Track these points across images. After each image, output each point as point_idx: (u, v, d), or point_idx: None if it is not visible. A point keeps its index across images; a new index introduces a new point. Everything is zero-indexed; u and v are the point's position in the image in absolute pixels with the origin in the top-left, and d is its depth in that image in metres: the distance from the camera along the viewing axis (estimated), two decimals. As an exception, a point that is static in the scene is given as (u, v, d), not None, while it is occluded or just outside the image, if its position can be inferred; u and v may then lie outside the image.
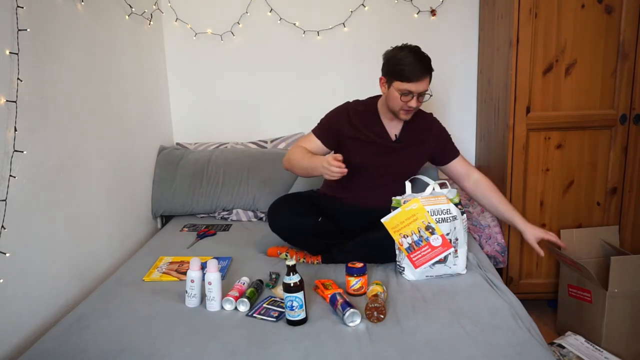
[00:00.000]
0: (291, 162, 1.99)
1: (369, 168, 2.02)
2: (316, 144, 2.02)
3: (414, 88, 1.87)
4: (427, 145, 2.07)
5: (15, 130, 1.51)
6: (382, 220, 1.77)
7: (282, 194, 2.47)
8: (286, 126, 2.87)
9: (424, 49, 2.69)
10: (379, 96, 2.06)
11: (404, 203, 1.78)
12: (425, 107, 2.73)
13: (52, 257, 1.71)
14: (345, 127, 2.01)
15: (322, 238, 1.96)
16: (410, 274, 1.79)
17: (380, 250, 1.89)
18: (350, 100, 2.09)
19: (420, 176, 1.95)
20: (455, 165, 2.09)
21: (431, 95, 1.94)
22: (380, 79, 1.96)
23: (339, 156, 1.77)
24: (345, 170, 1.75)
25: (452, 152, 2.11)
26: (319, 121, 2.07)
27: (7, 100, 1.48)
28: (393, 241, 1.80)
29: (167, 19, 2.77)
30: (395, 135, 2.03)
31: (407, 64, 1.86)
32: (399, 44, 1.93)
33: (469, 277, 1.80)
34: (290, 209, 1.96)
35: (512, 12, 2.13)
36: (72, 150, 1.85)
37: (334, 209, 2.04)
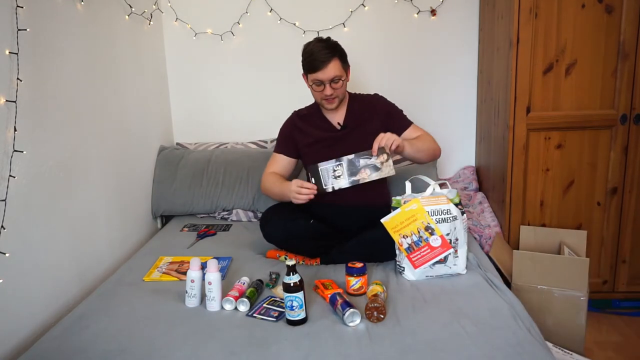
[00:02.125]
0: (266, 190, 2.13)
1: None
2: (281, 160, 2.16)
3: (322, 76, 1.93)
4: (374, 122, 2.09)
5: (15, 130, 1.50)
6: (382, 220, 1.77)
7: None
8: (286, 126, 2.87)
9: (424, 49, 2.73)
10: None
11: (404, 203, 1.78)
12: (427, 106, 2.75)
13: (52, 257, 1.71)
14: (295, 133, 2.13)
15: (317, 240, 1.95)
16: (410, 274, 1.79)
17: (379, 249, 1.89)
18: (297, 108, 2.21)
19: (420, 176, 1.95)
20: (406, 136, 2.09)
21: (344, 80, 1.99)
22: (302, 75, 2.05)
23: (303, 182, 1.87)
24: (312, 193, 1.84)
25: (402, 124, 2.11)
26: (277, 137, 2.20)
27: (7, 100, 1.48)
28: (391, 239, 1.80)
29: (167, 19, 2.77)
30: (339, 123, 2.09)
31: (310, 54, 1.94)
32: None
33: (469, 277, 1.80)
34: (281, 215, 1.98)
35: (512, 12, 2.13)
36: (72, 150, 1.84)
37: (324, 211, 2.04)
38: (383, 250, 1.88)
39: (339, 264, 1.90)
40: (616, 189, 2.26)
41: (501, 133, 2.33)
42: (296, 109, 2.21)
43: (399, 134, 2.08)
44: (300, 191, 1.85)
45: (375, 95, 2.18)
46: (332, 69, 1.92)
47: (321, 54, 1.92)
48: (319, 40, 1.98)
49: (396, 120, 2.11)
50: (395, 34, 2.71)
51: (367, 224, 1.93)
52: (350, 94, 2.15)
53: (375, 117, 2.10)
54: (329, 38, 2.00)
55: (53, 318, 1.68)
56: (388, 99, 2.16)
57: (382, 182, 2.09)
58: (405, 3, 2.69)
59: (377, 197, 2.06)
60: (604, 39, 2.13)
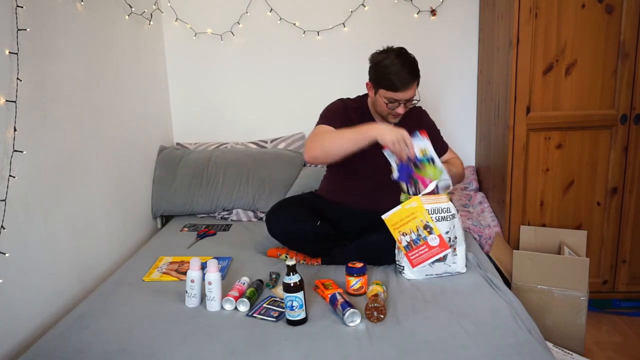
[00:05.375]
0: (325, 144, 1.81)
1: (366, 168, 2.00)
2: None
3: (400, 97, 1.85)
4: None
5: (15, 130, 1.51)
6: (383, 216, 1.76)
7: (282, 194, 2.48)
8: (286, 126, 2.87)
9: (424, 49, 2.71)
10: (367, 94, 2.05)
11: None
12: (427, 106, 2.74)
13: (52, 257, 1.71)
14: (348, 121, 1.95)
15: (320, 242, 1.94)
16: (410, 273, 1.79)
17: (380, 253, 1.89)
18: (343, 97, 2.09)
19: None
20: (444, 159, 2.08)
21: (418, 100, 1.93)
22: (367, 83, 1.95)
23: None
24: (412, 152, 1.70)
25: (442, 148, 2.10)
26: (320, 117, 1.99)
27: (7, 100, 1.48)
28: (393, 244, 1.79)
29: (167, 19, 2.77)
30: None
31: (392, 73, 1.82)
32: (385, 47, 1.90)
33: (469, 277, 1.80)
34: (287, 214, 1.94)
35: (512, 12, 2.13)
36: (72, 150, 1.85)
37: (333, 212, 2.02)
38: (384, 254, 1.87)
39: (339, 264, 1.90)
40: (616, 189, 2.26)
41: (501, 133, 2.33)
42: (343, 97, 2.07)
43: (438, 157, 2.03)
44: (407, 140, 1.69)
45: (420, 108, 2.13)
46: (412, 90, 1.85)
47: (403, 75, 1.80)
48: (398, 54, 1.84)
49: (438, 143, 2.06)
50: (395, 34, 2.71)
51: (369, 227, 1.92)
52: None
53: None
54: (407, 52, 1.87)
55: (53, 318, 1.68)
56: (430, 117, 2.14)
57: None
58: (405, 3, 2.69)
59: (393, 204, 2.00)
60: (604, 39, 2.13)
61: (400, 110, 1.89)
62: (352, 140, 1.76)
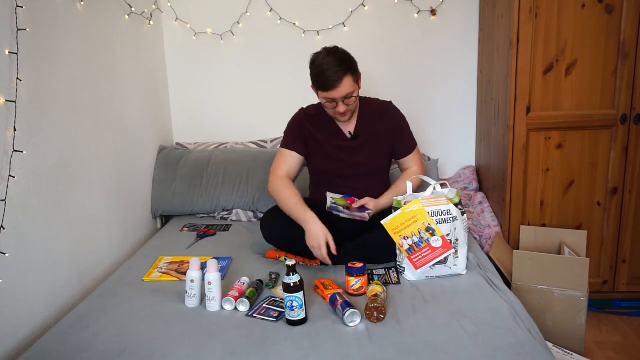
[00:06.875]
0: (278, 202, 1.96)
1: (337, 170, 2.02)
2: (291, 157, 2.03)
3: (334, 95, 1.84)
4: (385, 136, 2.03)
5: (15, 130, 1.50)
6: (382, 222, 1.77)
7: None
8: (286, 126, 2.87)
9: (424, 49, 2.73)
10: None
11: (404, 204, 1.78)
12: (427, 106, 2.75)
13: (52, 257, 1.71)
14: (305, 132, 2.04)
15: None
16: (411, 274, 1.79)
17: (380, 252, 1.89)
18: (304, 106, 2.12)
19: (421, 176, 1.95)
20: (406, 161, 2.07)
21: (356, 96, 1.90)
22: (312, 87, 1.95)
23: (328, 241, 1.80)
24: (328, 261, 1.81)
25: (407, 148, 2.06)
26: (283, 134, 2.10)
27: (6, 100, 1.48)
28: (392, 242, 1.79)
29: (167, 19, 2.77)
30: (350, 132, 2.03)
31: (322, 72, 1.81)
32: (321, 48, 1.90)
33: (469, 277, 1.80)
34: (281, 217, 1.95)
35: (512, 12, 2.13)
36: (72, 150, 1.84)
37: (324, 214, 2.02)
38: (384, 253, 1.87)
39: (339, 264, 1.90)
40: (616, 189, 2.25)
41: (501, 133, 2.33)
42: (304, 107, 2.13)
43: (401, 158, 2.07)
44: (322, 251, 1.78)
45: (390, 104, 2.08)
46: (344, 87, 1.81)
47: (332, 72, 1.79)
48: (328, 52, 1.84)
49: (403, 142, 2.05)
50: (395, 34, 2.71)
51: (368, 226, 1.92)
52: (361, 98, 2.05)
53: (386, 130, 2.02)
54: (337, 49, 1.87)
55: (53, 318, 1.68)
56: (401, 112, 2.08)
57: (385, 185, 2.08)
58: (405, 3, 2.69)
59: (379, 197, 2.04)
60: (604, 39, 2.13)
61: (341, 109, 1.87)
62: (294, 217, 1.89)
